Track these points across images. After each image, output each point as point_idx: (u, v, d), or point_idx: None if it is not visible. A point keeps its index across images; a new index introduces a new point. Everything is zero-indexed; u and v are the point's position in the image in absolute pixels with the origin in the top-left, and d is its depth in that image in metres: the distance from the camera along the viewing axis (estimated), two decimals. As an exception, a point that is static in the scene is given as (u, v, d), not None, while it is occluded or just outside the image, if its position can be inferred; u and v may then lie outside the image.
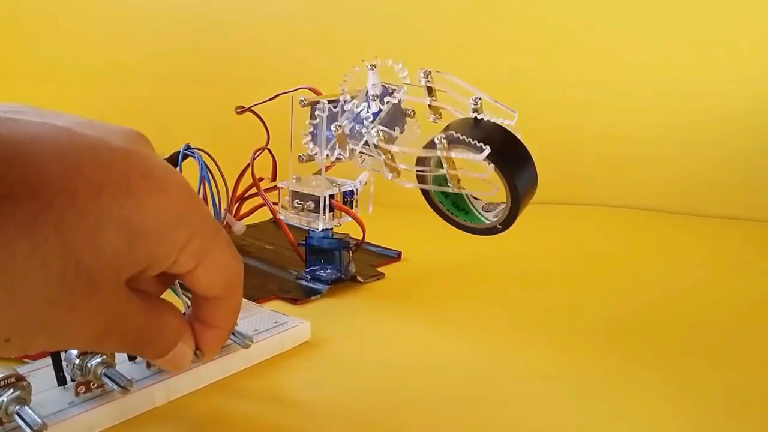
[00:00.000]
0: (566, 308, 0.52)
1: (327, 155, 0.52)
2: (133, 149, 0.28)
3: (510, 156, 0.44)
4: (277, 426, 0.36)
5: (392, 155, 0.47)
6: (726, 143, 0.80)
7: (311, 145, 0.52)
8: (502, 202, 0.46)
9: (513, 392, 0.40)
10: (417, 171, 0.47)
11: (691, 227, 0.76)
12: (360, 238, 0.57)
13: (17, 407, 0.31)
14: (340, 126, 0.49)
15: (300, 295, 0.52)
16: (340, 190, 0.54)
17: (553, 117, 0.79)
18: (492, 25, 0.86)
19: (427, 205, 0.49)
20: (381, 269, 0.58)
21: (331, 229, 0.55)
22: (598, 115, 0.83)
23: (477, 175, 0.44)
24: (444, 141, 0.44)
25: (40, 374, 0.36)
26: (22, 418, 0.31)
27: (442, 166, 0.45)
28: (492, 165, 0.43)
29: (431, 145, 0.45)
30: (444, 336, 0.47)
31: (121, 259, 0.27)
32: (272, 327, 0.44)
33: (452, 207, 0.49)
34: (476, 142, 0.42)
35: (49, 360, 0.35)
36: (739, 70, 0.80)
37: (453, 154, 0.44)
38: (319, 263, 0.55)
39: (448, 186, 0.46)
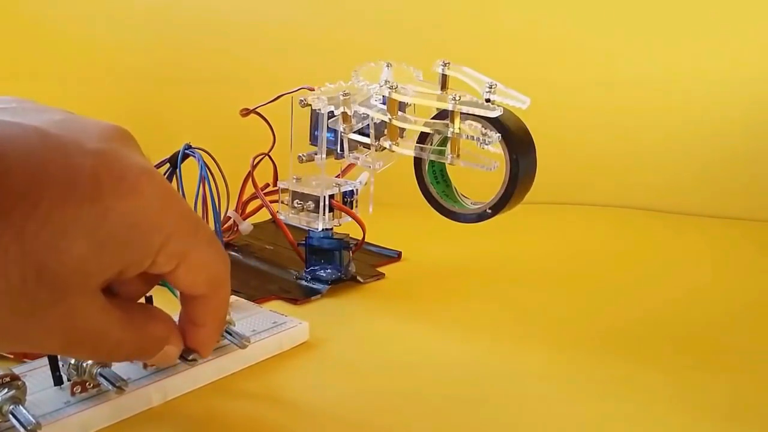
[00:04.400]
0: (566, 308, 0.52)
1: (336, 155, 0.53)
2: (107, 149, 0.28)
3: (517, 133, 0.45)
4: (275, 426, 0.35)
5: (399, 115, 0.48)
6: (726, 143, 0.80)
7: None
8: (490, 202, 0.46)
9: (513, 392, 0.39)
10: (417, 146, 0.48)
11: (691, 227, 0.75)
12: (360, 238, 0.56)
13: (11, 407, 0.31)
14: (347, 94, 0.49)
15: (300, 295, 0.52)
16: (340, 190, 0.54)
17: (553, 117, 0.79)
18: (492, 26, 0.86)
19: (424, 199, 0.49)
20: (381, 269, 0.58)
21: (331, 229, 0.54)
22: (598, 115, 0.83)
23: (481, 142, 0.44)
24: (458, 96, 0.44)
25: (37, 374, 0.36)
26: (17, 418, 0.31)
27: (443, 144, 0.46)
28: (498, 134, 0.44)
29: (442, 115, 0.46)
30: (444, 336, 0.47)
31: (89, 265, 0.27)
32: (270, 327, 0.43)
33: (443, 194, 0.49)
34: (489, 103, 0.43)
35: (46, 360, 0.35)
36: (738, 71, 0.80)
37: (464, 109, 0.44)
38: (319, 263, 0.55)
39: (447, 157, 0.46)
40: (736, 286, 0.57)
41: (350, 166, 0.55)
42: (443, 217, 0.49)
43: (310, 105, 0.52)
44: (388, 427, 0.36)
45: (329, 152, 0.53)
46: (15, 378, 0.32)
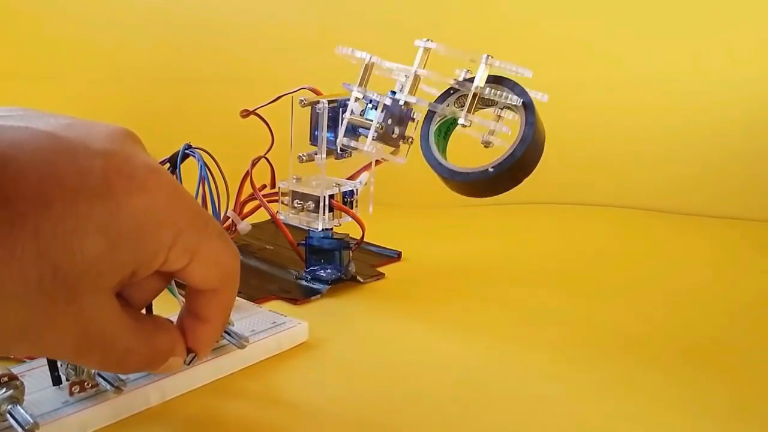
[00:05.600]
0: (566, 308, 0.52)
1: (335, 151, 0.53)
2: (115, 150, 0.28)
3: (535, 108, 0.47)
4: (274, 426, 0.35)
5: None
6: (725, 143, 0.80)
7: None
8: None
9: (513, 392, 0.39)
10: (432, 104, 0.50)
11: (691, 227, 0.75)
12: (360, 238, 0.56)
13: (9, 406, 0.31)
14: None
15: (300, 295, 0.52)
16: (340, 190, 0.53)
17: (553, 117, 0.79)
18: (492, 26, 0.86)
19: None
20: (381, 269, 0.58)
21: (331, 229, 0.54)
22: (598, 115, 0.83)
23: (504, 102, 0.47)
24: (490, 57, 0.48)
25: (36, 374, 0.36)
26: (14, 418, 0.31)
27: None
28: (521, 99, 0.47)
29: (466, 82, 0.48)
30: (444, 336, 0.47)
31: (102, 264, 0.27)
32: (270, 327, 0.43)
33: (444, 152, 0.51)
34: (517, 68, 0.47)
35: (44, 360, 0.35)
36: (738, 71, 0.80)
37: (497, 63, 0.48)
38: (319, 263, 0.55)
39: (462, 114, 0.48)
40: (736, 286, 0.57)
41: (365, 167, 0.55)
42: (440, 176, 0.50)
43: (311, 105, 0.52)
44: (387, 427, 0.36)
45: (329, 152, 0.53)
46: (13, 378, 0.32)
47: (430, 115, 0.51)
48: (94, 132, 0.28)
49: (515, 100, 0.47)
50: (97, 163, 0.27)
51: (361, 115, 0.52)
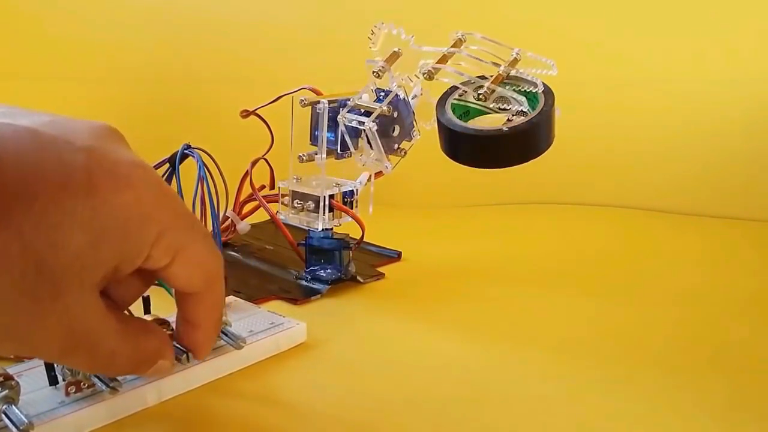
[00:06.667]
0: (566, 308, 0.52)
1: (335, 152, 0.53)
2: (97, 146, 0.28)
3: (553, 98, 0.50)
4: (271, 427, 0.35)
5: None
6: (726, 143, 0.80)
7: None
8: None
9: (513, 392, 0.39)
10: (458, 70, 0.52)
11: (691, 227, 0.75)
12: (360, 238, 0.56)
13: (4, 407, 0.31)
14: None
15: (300, 295, 0.52)
16: (340, 190, 0.53)
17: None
18: (492, 26, 0.85)
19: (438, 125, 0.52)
20: (381, 269, 0.58)
21: (331, 229, 0.54)
22: (598, 115, 0.83)
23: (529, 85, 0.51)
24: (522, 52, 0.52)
25: (32, 374, 0.35)
26: (9, 418, 0.31)
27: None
28: (542, 87, 0.50)
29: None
30: (444, 336, 0.47)
31: (85, 259, 0.27)
32: (268, 328, 0.43)
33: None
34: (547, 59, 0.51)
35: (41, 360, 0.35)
36: (738, 71, 0.80)
37: (529, 54, 0.52)
38: (319, 263, 0.55)
39: (483, 87, 0.50)
40: (736, 286, 0.57)
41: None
42: (450, 133, 0.50)
43: (311, 105, 0.52)
44: (387, 428, 0.36)
45: (329, 152, 0.53)
46: (8, 378, 0.32)
47: (450, 90, 0.53)
48: (77, 128, 0.28)
49: (539, 84, 0.50)
50: (80, 158, 0.27)
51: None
